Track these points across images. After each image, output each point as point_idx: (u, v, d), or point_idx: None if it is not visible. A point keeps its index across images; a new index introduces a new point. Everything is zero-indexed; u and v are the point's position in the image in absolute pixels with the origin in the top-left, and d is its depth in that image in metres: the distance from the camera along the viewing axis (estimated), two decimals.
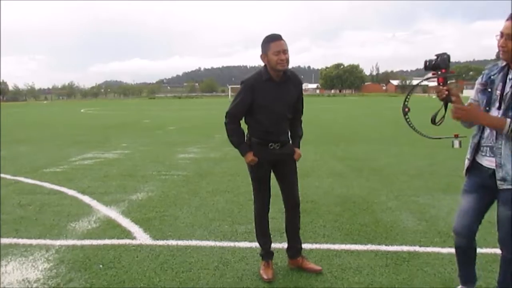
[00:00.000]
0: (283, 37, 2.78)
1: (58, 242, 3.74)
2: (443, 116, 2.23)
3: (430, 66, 2.17)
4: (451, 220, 4.21)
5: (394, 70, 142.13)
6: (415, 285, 2.85)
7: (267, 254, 3.09)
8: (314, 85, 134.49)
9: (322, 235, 3.81)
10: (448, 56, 2.14)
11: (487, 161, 2.27)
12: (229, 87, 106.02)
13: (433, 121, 2.26)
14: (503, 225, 2.32)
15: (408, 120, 2.31)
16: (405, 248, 3.48)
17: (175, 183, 6.08)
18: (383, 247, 3.50)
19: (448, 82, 2.21)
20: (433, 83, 2.27)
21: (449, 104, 2.20)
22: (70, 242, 3.75)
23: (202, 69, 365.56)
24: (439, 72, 2.15)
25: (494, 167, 2.22)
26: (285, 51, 2.75)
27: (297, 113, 3.07)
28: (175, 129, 15.39)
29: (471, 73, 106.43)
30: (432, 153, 8.29)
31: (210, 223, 4.19)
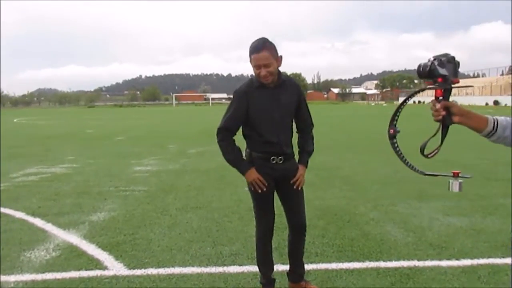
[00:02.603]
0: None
1: (12, 278, 3.16)
2: (439, 147, 1.53)
3: (424, 73, 1.49)
4: (436, 230, 4.22)
5: (334, 79, 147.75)
6: None
7: (268, 282, 2.79)
8: None
9: (314, 254, 3.57)
10: (451, 59, 1.46)
11: None
12: (173, 95, 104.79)
13: (422, 151, 1.55)
14: None
15: (396, 146, 1.61)
16: (404, 263, 3.33)
17: (138, 200, 5.57)
18: (382, 264, 3.33)
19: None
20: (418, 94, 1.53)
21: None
22: (28, 277, 3.18)
23: (143, 76, 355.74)
24: (437, 83, 1.47)
25: None
26: (266, 65, 2.48)
27: (304, 125, 2.81)
28: (124, 139, 14.53)
29: (404, 81, 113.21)
30: (393, 160, 8.39)
31: (190, 246, 3.79)
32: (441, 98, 1.48)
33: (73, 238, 4.03)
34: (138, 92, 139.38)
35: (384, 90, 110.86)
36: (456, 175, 1.57)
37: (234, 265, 3.35)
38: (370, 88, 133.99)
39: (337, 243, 3.82)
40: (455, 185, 1.57)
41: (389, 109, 44.70)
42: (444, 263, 3.34)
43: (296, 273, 2.88)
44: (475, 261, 3.36)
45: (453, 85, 1.46)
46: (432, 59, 1.48)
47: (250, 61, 2.54)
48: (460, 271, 3.19)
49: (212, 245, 3.80)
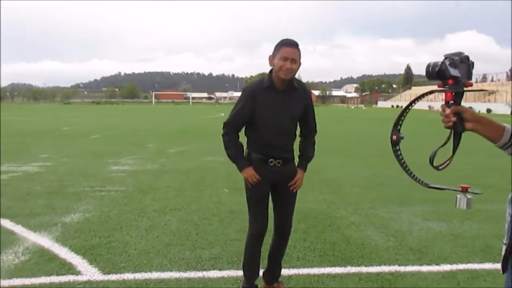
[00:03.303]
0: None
1: None
2: (451, 157, 1.34)
3: (433, 73, 1.32)
4: (416, 234, 4.23)
5: (315, 81, 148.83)
6: None
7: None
8: (239, 93, 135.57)
9: (296, 258, 3.51)
10: (464, 58, 1.29)
11: None
12: (153, 93, 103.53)
13: (431, 161, 1.36)
14: None
15: (399, 154, 1.44)
16: (385, 268, 3.31)
17: (115, 200, 5.39)
18: (364, 269, 3.30)
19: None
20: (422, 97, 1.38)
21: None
22: None
23: (122, 74, 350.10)
24: (447, 85, 1.31)
25: None
26: (294, 60, 2.46)
27: (308, 131, 2.78)
28: (101, 137, 14.19)
29: (383, 85, 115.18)
30: (373, 163, 8.48)
31: (168, 249, 3.67)
32: (451, 102, 1.32)
33: (44, 241, 3.85)
34: (117, 89, 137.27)
35: (364, 93, 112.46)
36: (464, 190, 1.38)
37: (214, 269, 3.26)
38: (350, 91, 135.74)
39: (319, 247, 3.77)
40: (462, 202, 1.40)
41: (368, 112, 45.34)
42: (425, 268, 3.33)
43: (272, 273, 2.88)
44: (454, 266, 3.37)
45: (465, 89, 1.29)
46: (443, 57, 1.32)
47: (275, 54, 2.49)
48: (440, 276, 3.19)
49: (191, 249, 3.69)
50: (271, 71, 2.56)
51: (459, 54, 1.29)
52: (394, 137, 1.42)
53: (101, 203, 5.23)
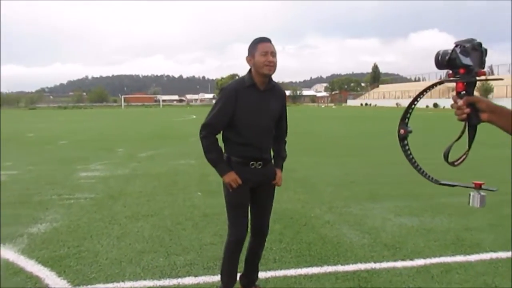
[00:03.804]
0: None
1: None
2: (466, 152, 1.25)
3: (443, 62, 1.23)
4: (390, 230, 4.29)
5: (285, 81, 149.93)
6: None
7: None
8: (210, 95, 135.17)
9: (272, 260, 3.48)
10: (476, 45, 1.20)
11: None
12: (122, 96, 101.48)
13: (446, 157, 1.26)
14: None
15: (407, 149, 1.36)
16: (361, 266, 3.33)
17: (84, 208, 5.21)
18: (340, 268, 3.31)
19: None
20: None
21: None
22: None
23: (89, 77, 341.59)
24: (458, 75, 1.22)
25: None
26: (273, 53, 2.46)
27: (281, 132, 2.77)
28: (68, 143, 13.74)
29: (352, 84, 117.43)
30: (345, 162, 8.58)
31: (141, 257, 3.57)
32: (463, 93, 1.22)
33: (9, 254, 3.66)
34: (85, 93, 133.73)
35: (333, 92, 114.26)
36: (478, 187, 1.27)
37: (189, 276, 3.19)
38: (320, 90, 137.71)
39: (295, 248, 3.76)
40: (476, 199, 1.28)
41: (338, 111, 46.05)
42: (399, 264, 3.38)
43: (249, 277, 2.85)
44: (428, 261, 3.43)
45: (478, 78, 1.20)
46: (454, 45, 1.22)
47: (253, 52, 2.46)
48: (415, 271, 3.23)
49: (165, 255, 3.60)
50: (250, 71, 2.53)
51: (471, 41, 1.21)
52: (402, 131, 1.34)
53: (70, 212, 5.04)
